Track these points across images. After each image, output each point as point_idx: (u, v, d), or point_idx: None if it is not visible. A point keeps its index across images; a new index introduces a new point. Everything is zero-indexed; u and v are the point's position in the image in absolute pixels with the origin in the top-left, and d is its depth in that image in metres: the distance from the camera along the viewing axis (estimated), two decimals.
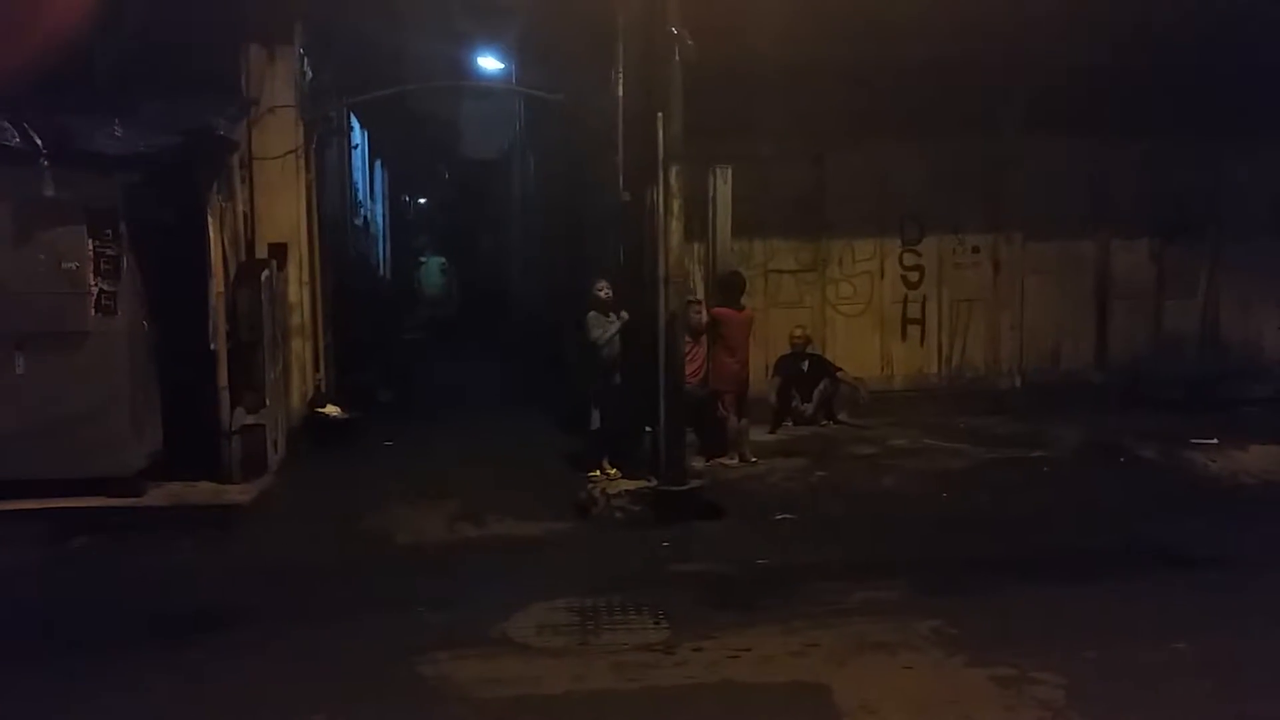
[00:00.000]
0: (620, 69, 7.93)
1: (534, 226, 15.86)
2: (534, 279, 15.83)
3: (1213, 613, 5.17)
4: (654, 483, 7.06)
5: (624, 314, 7.48)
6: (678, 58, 6.81)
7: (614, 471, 7.54)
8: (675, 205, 6.93)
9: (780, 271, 9.57)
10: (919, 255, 9.78)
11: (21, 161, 6.77)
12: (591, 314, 7.64)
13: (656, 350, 7.12)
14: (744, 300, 8.17)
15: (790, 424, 9.07)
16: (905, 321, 9.80)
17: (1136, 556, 6.00)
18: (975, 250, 9.86)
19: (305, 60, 9.18)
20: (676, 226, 6.96)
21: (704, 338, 8.06)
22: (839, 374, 9.18)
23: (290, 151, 8.93)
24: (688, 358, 7.57)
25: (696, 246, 8.74)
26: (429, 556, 6.34)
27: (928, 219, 9.74)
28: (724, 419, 7.97)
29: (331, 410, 9.37)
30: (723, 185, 8.21)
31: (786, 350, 9.18)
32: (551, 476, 7.87)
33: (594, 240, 9.94)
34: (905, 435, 8.82)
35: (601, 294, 7.58)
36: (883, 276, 9.75)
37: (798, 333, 9.15)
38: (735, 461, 7.93)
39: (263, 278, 8.06)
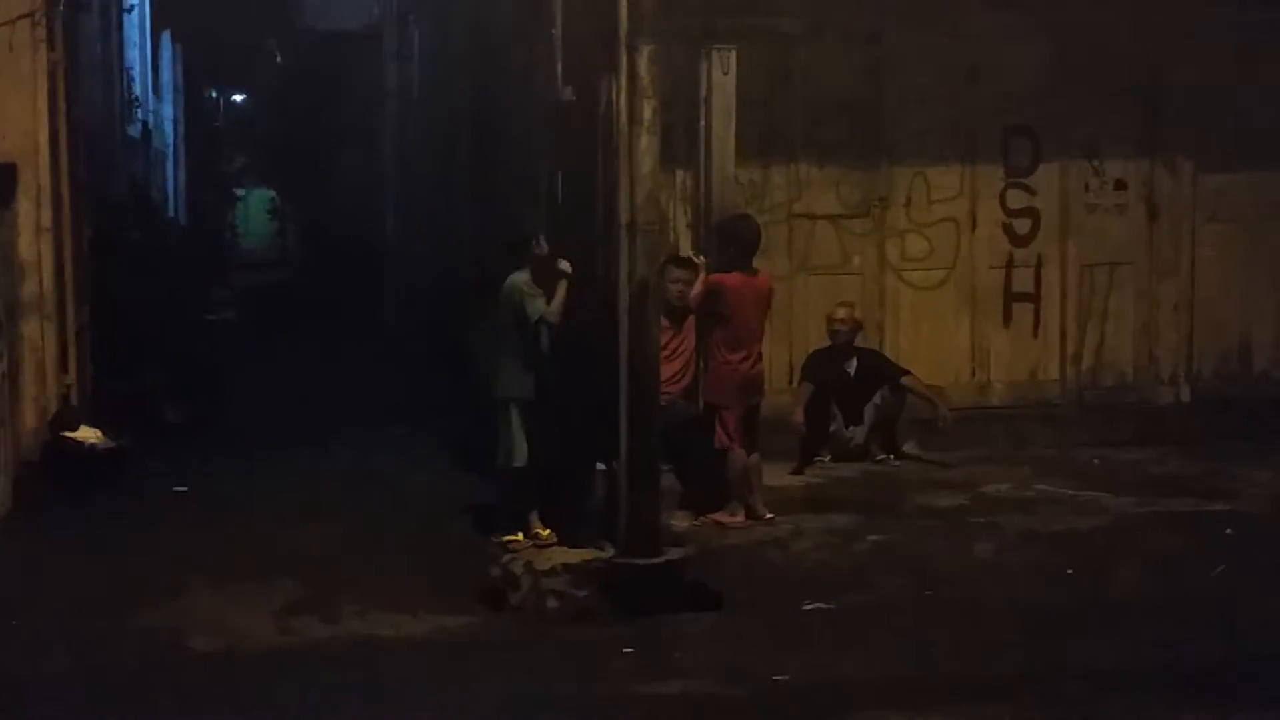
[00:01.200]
0: None
1: (422, 143, 15.83)
2: (422, 226, 15.85)
3: None
4: (610, 553, 7.10)
5: (565, 264, 7.47)
6: None
7: (546, 533, 7.62)
8: (646, 109, 6.91)
9: (813, 217, 9.56)
10: (1031, 192, 9.83)
11: None
12: (517, 277, 7.63)
13: (615, 341, 7.08)
14: (757, 263, 8.20)
15: (827, 459, 9.17)
16: (1009, 297, 9.84)
17: None
18: (1120, 185, 9.93)
19: None
20: (648, 142, 6.93)
21: (691, 322, 8.09)
22: (905, 380, 9.21)
23: (22, 16, 8.86)
24: (665, 354, 7.58)
25: (681, 175, 8.79)
26: (247, 672, 6.30)
27: (1045, 135, 9.78)
28: (723, 451, 7.97)
29: (89, 435, 9.33)
30: (722, 78, 8.23)
31: (823, 342, 9.21)
32: (446, 541, 7.92)
33: (517, 164, 9.89)
34: (1008, 476, 8.89)
35: (538, 250, 7.65)
36: (974, 226, 9.78)
37: (841, 315, 9.15)
38: (740, 519, 7.97)
39: None
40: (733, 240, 8.03)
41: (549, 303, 7.60)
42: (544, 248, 7.65)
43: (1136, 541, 7.71)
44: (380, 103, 19.47)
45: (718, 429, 7.93)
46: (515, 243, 7.86)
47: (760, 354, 8.16)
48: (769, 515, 7.98)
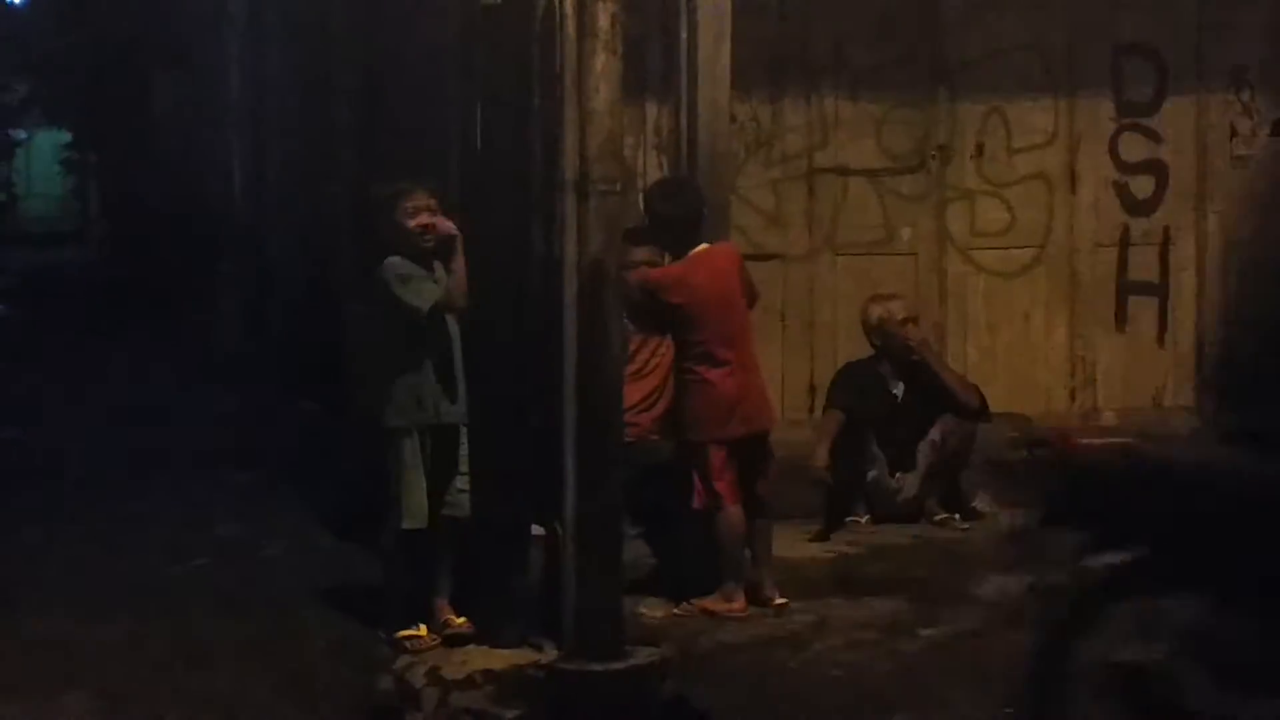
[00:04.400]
0: None
1: (285, 66, 15.89)
2: (284, 186, 15.89)
3: None
4: (551, 655, 7.13)
5: (444, 223, 7.41)
6: None
7: (460, 621, 7.57)
8: (603, 15, 6.93)
9: (844, 172, 9.70)
10: (1154, 139, 10.02)
11: None
12: (394, 262, 7.62)
13: (557, 353, 7.15)
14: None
15: (864, 519, 9.29)
16: (1124, 288, 10.00)
17: None
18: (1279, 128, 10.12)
19: None
20: (606, 64, 6.92)
21: (665, 324, 8.13)
22: (971, 406, 9.27)
23: None
24: (633, 369, 7.83)
25: (653, 112, 9.04)
26: None
27: (1175, 55, 9.97)
28: (711, 509, 7.95)
29: None
30: None
31: (857, 352, 9.34)
32: (314, 638, 7.90)
33: (421, 98, 9.96)
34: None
35: (408, 214, 7.54)
36: (1073, 185, 9.93)
37: (877, 314, 9.25)
38: (739, 605, 7.94)
39: None
40: (663, 222, 7.98)
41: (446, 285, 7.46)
42: (430, 209, 7.47)
43: None
44: (222, 6, 19.43)
45: (696, 481, 7.88)
46: (374, 202, 7.74)
47: (755, 359, 8.08)
48: (780, 600, 7.95)
